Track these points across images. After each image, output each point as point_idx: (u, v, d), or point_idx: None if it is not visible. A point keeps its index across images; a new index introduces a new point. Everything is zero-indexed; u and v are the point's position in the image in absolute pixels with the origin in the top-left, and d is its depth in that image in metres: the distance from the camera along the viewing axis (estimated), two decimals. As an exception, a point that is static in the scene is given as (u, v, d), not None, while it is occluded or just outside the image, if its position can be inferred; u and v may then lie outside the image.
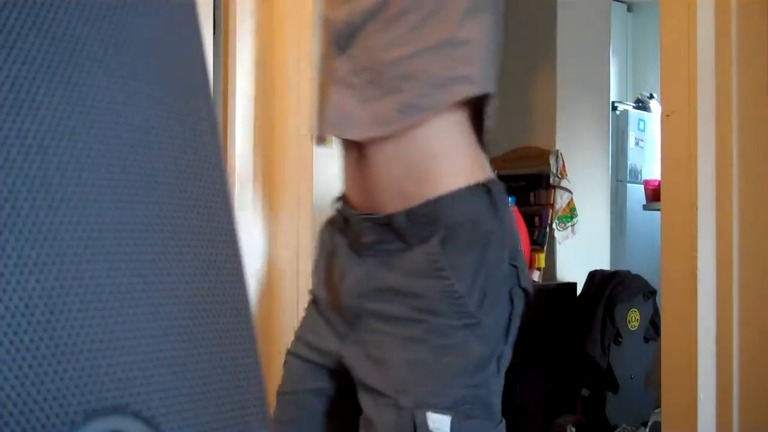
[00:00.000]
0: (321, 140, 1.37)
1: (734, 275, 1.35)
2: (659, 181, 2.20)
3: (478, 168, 1.29)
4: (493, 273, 1.23)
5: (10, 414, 0.38)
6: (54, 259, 0.41)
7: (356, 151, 1.30)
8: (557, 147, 3.56)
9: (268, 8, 2.50)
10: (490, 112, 1.30)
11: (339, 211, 1.38)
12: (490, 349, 1.23)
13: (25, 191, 0.40)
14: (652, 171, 5.05)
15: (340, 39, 1.30)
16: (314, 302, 1.41)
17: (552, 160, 3.44)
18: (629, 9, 6.21)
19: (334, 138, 1.35)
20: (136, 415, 0.43)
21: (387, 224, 1.26)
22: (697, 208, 1.37)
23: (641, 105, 5.47)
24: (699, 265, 1.37)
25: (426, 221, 1.24)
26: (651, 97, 5.40)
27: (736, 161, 1.35)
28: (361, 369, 1.26)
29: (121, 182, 0.45)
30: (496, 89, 1.29)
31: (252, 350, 0.51)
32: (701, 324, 1.36)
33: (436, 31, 1.24)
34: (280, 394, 1.41)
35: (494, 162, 3.98)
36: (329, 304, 1.36)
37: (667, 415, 1.42)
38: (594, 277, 3.40)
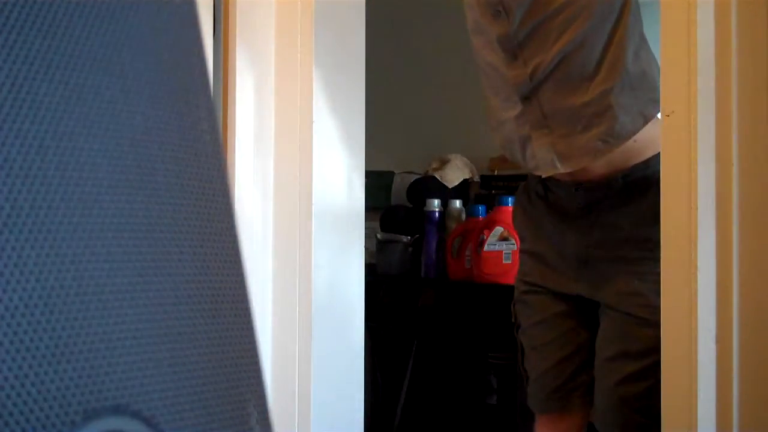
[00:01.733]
0: (525, 168, 1.64)
1: (734, 275, 1.35)
2: (659, 181, 2.19)
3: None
4: None
5: (10, 414, 0.38)
6: (54, 259, 0.41)
7: None
8: (557, 147, 3.55)
9: (269, 8, 2.49)
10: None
11: (539, 181, 1.64)
12: None
13: (25, 191, 0.40)
14: (652, 171, 5.04)
15: (523, 90, 1.53)
16: (532, 255, 1.71)
17: (552, 160, 3.44)
18: (629, 9, 6.20)
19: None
20: (136, 415, 0.43)
21: (603, 187, 1.53)
22: (697, 208, 1.37)
23: (641, 105, 5.46)
24: (699, 265, 1.36)
25: (639, 179, 1.52)
26: (651, 97, 5.39)
27: (736, 161, 1.35)
28: (613, 299, 1.56)
29: (121, 182, 0.45)
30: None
31: (252, 350, 0.51)
32: (701, 324, 1.36)
33: (613, 73, 1.48)
34: (531, 325, 1.72)
35: (494, 162, 3.95)
36: (553, 255, 1.65)
37: (667, 415, 1.42)
38: (594, 277, 3.39)
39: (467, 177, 3.58)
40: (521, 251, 1.78)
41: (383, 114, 3.32)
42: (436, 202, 3.43)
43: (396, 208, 3.69)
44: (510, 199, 3.27)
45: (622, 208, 1.55)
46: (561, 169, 1.56)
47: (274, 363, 2.34)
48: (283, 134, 2.38)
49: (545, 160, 1.56)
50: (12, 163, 0.40)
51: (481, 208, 3.35)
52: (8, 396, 0.38)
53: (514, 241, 3.18)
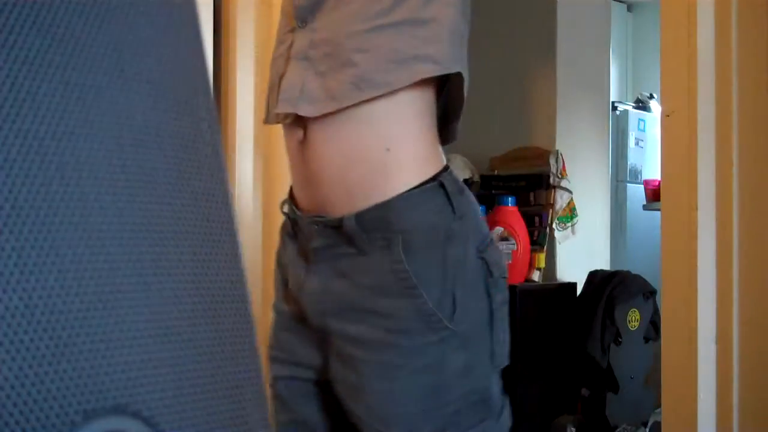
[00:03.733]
0: (272, 118, 1.27)
1: (734, 275, 1.35)
2: (659, 181, 2.20)
3: (431, 160, 1.19)
4: (460, 274, 1.16)
5: (10, 414, 0.38)
6: (54, 259, 0.41)
7: (301, 133, 1.22)
8: (557, 147, 3.56)
9: (268, 8, 2.49)
10: (457, 94, 1.22)
11: (287, 215, 1.29)
12: (473, 351, 1.17)
13: (25, 191, 0.40)
14: (652, 171, 5.05)
15: (302, 12, 1.22)
16: (278, 313, 1.31)
17: (552, 160, 3.44)
18: (629, 9, 6.21)
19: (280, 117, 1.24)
20: (136, 415, 0.43)
21: (337, 227, 1.18)
22: (697, 208, 1.37)
23: (641, 105, 5.47)
24: (699, 265, 1.37)
25: (378, 226, 1.15)
26: (651, 97, 5.40)
27: (736, 161, 1.35)
28: (345, 394, 1.20)
29: (121, 182, 0.45)
30: (464, 72, 1.21)
31: (252, 350, 0.51)
32: (701, 324, 1.36)
33: (400, 9, 1.17)
34: (282, 424, 1.31)
35: (494, 162, 3.95)
36: (295, 316, 1.26)
37: (667, 415, 1.42)
38: (594, 277, 3.40)
39: (467, 177, 3.58)
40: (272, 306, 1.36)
41: (383, 114, 3.31)
42: (436, 202, 3.43)
43: (396, 208, 3.68)
44: (510, 199, 3.27)
45: (356, 259, 1.17)
46: (298, 110, 1.19)
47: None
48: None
49: (289, 96, 1.19)
50: (12, 163, 0.40)
51: (480, 208, 3.35)
52: (8, 396, 0.38)
53: (514, 241, 3.18)
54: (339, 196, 1.18)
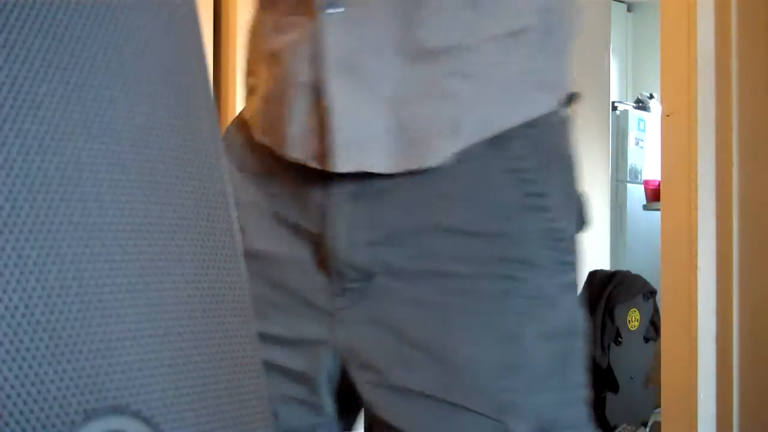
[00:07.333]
0: (296, 156, 0.76)
1: (734, 275, 1.35)
2: (659, 181, 2.20)
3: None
4: (578, 200, 0.82)
5: (10, 414, 0.38)
6: (54, 259, 0.41)
7: None
8: (557, 147, 3.56)
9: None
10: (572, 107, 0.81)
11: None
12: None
13: (25, 191, 0.40)
14: (652, 171, 5.05)
15: None
16: (261, 270, 0.77)
17: (552, 160, 3.44)
18: (629, 9, 6.21)
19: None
20: (136, 415, 0.43)
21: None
22: (697, 208, 1.37)
23: (641, 105, 5.47)
24: (699, 265, 1.36)
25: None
26: (651, 97, 5.40)
27: (736, 161, 1.35)
28: (405, 368, 0.72)
29: (121, 182, 0.45)
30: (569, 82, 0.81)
31: (252, 350, 0.51)
32: (701, 324, 1.36)
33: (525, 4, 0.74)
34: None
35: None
36: (290, 260, 0.76)
37: (667, 415, 1.42)
38: (594, 277, 3.40)
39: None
40: None
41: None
42: (436, 202, 3.43)
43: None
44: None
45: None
46: (369, 168, 0.71)
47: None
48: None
49: (346, 142, 0.71)
50: (12, 163, 0.40)
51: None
52: (8, 396, 0.38)
53: (514, 241, 3.19)
54: None
